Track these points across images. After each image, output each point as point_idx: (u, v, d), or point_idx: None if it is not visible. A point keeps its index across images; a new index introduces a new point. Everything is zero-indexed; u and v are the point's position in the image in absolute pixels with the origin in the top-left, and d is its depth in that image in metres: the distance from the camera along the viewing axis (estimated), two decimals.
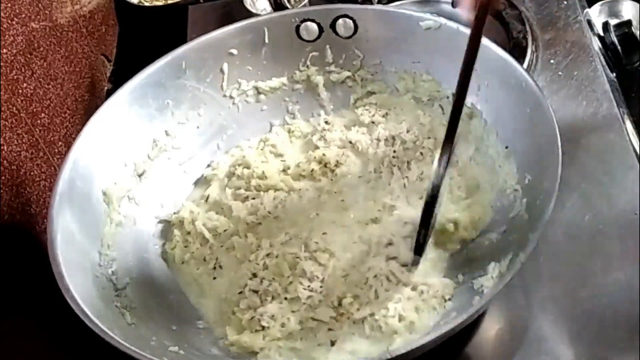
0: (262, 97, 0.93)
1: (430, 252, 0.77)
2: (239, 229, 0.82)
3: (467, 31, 0.81)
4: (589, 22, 1.04)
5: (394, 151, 0.86)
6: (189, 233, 0.84)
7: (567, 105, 0.93)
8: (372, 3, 1.09)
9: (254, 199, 0.85)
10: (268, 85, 0.93)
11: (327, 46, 0.91)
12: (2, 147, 0.76)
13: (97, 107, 0.83)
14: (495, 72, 0.79)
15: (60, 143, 0.91)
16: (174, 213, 0.86)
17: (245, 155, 0.90)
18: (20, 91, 0.83)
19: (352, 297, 0.73)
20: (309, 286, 0.75)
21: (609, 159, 0.87)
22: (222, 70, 0.90)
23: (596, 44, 1.01)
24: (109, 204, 0.80)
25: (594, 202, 0.83)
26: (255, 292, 0.75)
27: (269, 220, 0.82)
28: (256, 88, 0.92)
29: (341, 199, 0.83)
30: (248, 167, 0.88)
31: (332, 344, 0.71)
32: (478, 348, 0.76)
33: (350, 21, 0.89)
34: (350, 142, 0.88)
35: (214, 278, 0.80)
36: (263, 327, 0.72)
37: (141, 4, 1.22)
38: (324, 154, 0.87)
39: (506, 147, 0.78)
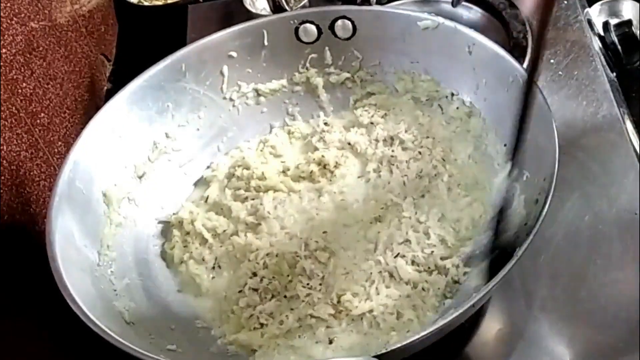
0: (262, 99, 0.93)
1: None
2: (239, 229, 0.82)
3: (465, 30, 0.82)
4: (589, 22, 1.04)
5: (392, 151, 0.86)
6: (188, 233, 0.84)
7: (567, 105, 0.93)
8: (370, 4, 1.10)
9: (253, 199, 0.85)
10: (268, 88, 0.93)
11: (326, 48, 0.91)
12: (2, 147, 0.76)
13: (96, 107, 0.83)
14: (494, 70, 0.79)
15: (60, 143, 0.91)
16: (174, 214, 0.86)
17: (245, 156, 0.90)
18: (19, 91, 0.83)
19: (352, 294, 0.73)
20: (308, 284, 0.75)
21: (609, 159, 0.87)
22: (222, 73, 0.90)
23: (596, 44, 1.01)
24: (108, 205, 0.80)
25: (594, 202, 0.83)
26: (255, 290, 0.75)
27: (269, 220, 0.82)
28: (256, 90, 0.93)
29: (341, 199, 0.83)
30: (248, 168, 0.88)
31: (330, 341, 0.71)
32: (478, 348, 0.76)
33: (349, 22, 0.89)
34: (349, 144, 0.88)
35: (213, 277, 0.80)
36: (261, 325, 0.73)
37: (141, 4, 1.22)
38: (322, 156, 0.87)
39: (505, 145, 0.78)
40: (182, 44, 0.89)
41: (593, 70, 0.97)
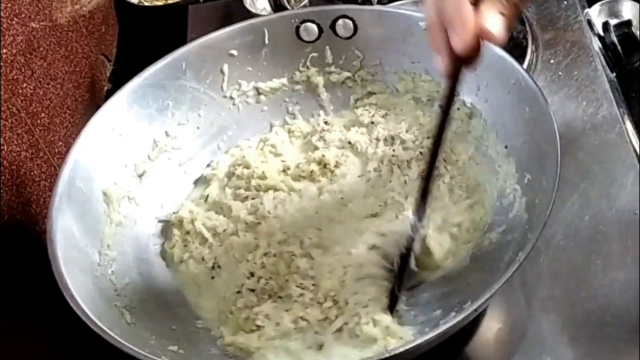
0: (262, 97, 0.93)
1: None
2: (239, 228, 0.82)
3: None
4: (589, 22, 1.04)
5: (393, 150, 0.86)
6: (188, 232, 0.84)
7: (567, 105, 0.93)
8: (371, 3, 1.10)
9: (253, 199, 0.85)
10: (268, 86, 0.93)
11: (327, 47, 0.91)
12: (2, 147, 0.76)
13: (97, 107, 0.83)
14: (494, 71, 0.79)
15: (60, 143, 0.91)
16: (174, 213, 0.86)
17: (245, 155, 0.90)
18: (20, 91, 0.83)
19: (332, 298, 0.72)
20: (301, 284, 0.74)
21: (609, 159, 0.87)
22: (222, 71, 0.90)
23: (596, 44, 1.01)
24: (109, 204, 0.80)
25: (594, 202, 0.83)
26: (252, 290, 0.75)
27: (269, 220, 0.82)
28: (256, 89, 0.92)
29: (341, 197, 0.83)
30: (248, 167, 0.88)
31: (320, 347, 0.70)
32: (478, 348, 0.76)
33: (350, 22, 0.89)
34: (350, 143, 0.88)
35: (212, 277, 0.80)
36: (258, 327, 0.72)
37: (141, 4, 1.22)
38: (323, 155, 0.87)
39: (505, 147, 0.78)
40: (183, 44, 0.89)
41: (593, 71, 0.97)
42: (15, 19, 0.85)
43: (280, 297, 0.74)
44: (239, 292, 0.76)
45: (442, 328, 0.60)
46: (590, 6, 1.08)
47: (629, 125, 0.91)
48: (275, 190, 0.85)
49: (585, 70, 0.97)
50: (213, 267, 0.80)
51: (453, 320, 0.61)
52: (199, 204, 0.87)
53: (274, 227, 0.81)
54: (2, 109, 0.78)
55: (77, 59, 1.02)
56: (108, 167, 0.81)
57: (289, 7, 1.11)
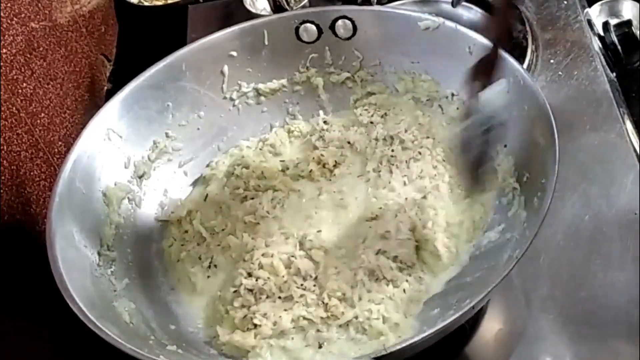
0: (262, 99, 0.93)
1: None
2: (237, 228, 0.82)
3: (466, 31, 0.82)
4: (589, 22, 1.04)
5: (392, 150, 0.86)
6: (186, 232, 0.84)
7: (567, 105, 0.93)
8: (370, 4, 1.10)
9: (252, 198, 0.85)
10: (268, 87, 0.93)
11: (327, 47, 0.91)
12: (2, 147, 0.76)
13: (97, 107, 0.83)
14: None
15: (60, 143, 0.91)
16: (171, 212, 0.86)
17: (244, 155, 0.90)
18: (20, 91, 0.83)
19: (339, 297, 0.73)
20: (302, 285, 0.74)
21: (609, 159, 0.87)
22: (222, 73, 0.90)
23: (596, 44, 1.01)
24: (109, 205, 0.80)
25: (594, 202, 0.84)
26: (250, 290, 0.75)
27: (268, 220, 0.82)
28: (256, 90, 0.93)
29: (340, 198, 0.83)
30: (247, 167, 0.88)
31: (320, 346, 0.71)
32: (478, 348, 0.76)
33: (350, 22, 0.89)
34: (349, 142, 0.88)
35: (208, 277, 0.80)
36: (255, 326, 0.72)
37: (141, 4, 1.22)
38: (322, 155, 0.87)
39: (505, 146, 0.78)
40: (182, 44, 0.89)
41: (593, 71, 0.97)
42: (15, 19, 0.85)
43: (279, 298, 0.74)
44: (235, 291, 0.76)
45: (440, 326, 0.60)
46: (590, 6, 1.08)
47: (629, 125, 0.91)
48: (274, 190, 0.85)
49: (585, 70, 0.97)
50: (209, 267, 0.80)
51: (450, 318, 0.61)
52: (197, 203, 0.87)
53: (273, 227, 0.81)
54: (2, 109, 0.78)
55: (77, 59, 1.02)
56: (108, 167, 0.81)
57: (288, 8, 1.11)
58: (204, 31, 0.91)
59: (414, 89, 0.90)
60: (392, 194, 0.82)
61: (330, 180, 0.86)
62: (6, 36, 0.82)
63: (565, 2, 1.06)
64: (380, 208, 0.81)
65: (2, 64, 0.80)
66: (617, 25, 1.02)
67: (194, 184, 0.91)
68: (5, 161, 0.76)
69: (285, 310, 0.73)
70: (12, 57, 0.83)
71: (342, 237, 0.79)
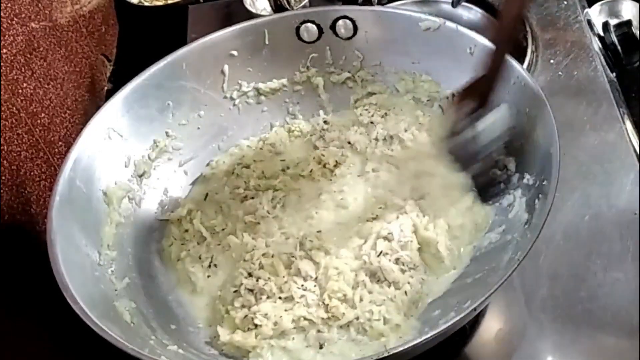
0: (262, 98, 0.93)
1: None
2: (237, 228, 0.82)
3: (467, 31, 0.82)
4: (589, 22, 1.04)
5: (392, 150, 0.86)
6: (186, 231, 0.84)
7: (567, 105, 0.93)
8: (371, 4, 1.10)
9: (252, 198, 0.85)
10: (268, 87, 0.93)
11: (327, 47, 0.91)
12: (2, 147, 0.76)
13: (97, 107, 0.83)
14: None
15: (60, 143, 0.91)
16: (171, 211, 0.86)
17: (244, 154, 0.90)
18: (20, 91, 0.83)
19: (340, 298, 0.73)
20: (302, 285, 0.74)
21: (609, 159, 0.87)
22: (222, 72, 0.90)
23: (596, 44, 1.01)
24: (109, 204, 0.80)
25: (594, 202, 0.84)
26: (251, 290, 0.75)
27: (268, 220, 0.82)
28: (257, 89, 0.93)
29: (341, 198, 0.83)
30: (247, 167, 0.88)
31: (321, 346, 0.71)
32: (478, 348, 0.76)
33: (350, 22, 0.89)
34: (349, 142, 0.88)
35: (208, 276, 0.80)
36: (256, 326, 0.72)
37: (141, 4, 1.22)
38: (322, 154, 0.87)
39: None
40: (183, 44, 0.89)
41: (593, 70, 0.97)
42: (15, 19, 0.85)
43: (280, 298, 0.74)
44: (236, 291, 0.76)
45: (441, 328, 0.60)
46: (590, 6, 1.08)
47: (629, 125, 0.91)
48: (275, 190, 0.85)
49: (585, 70, 0.97)
50: (210, 266, 0.80)
51: (451, 320, 0.61)
52: (198, 203, 0.87)
53: (273, 227, 0.81)
54: (2, 109, 0.78)
55: (77, 59, 1.02)
56: (108, 167, 0.81)
57: (289, 7, 1.11)
58: (204, 31, 0.90)
59: (415, 89, 0.90)
60: (391, 194, 0.82)
61: (330, 180, 0.86)
62: (6, 36, 0.82)
63: (565, 2, 1.06)
64: (381, 208, 0.81)
65: (2, 64, 0.80)
66: (617, 25, 1.02)
67: (194, 183, 0.91)
68: (5, 161, 0.76)
69: (285, 310, 0.73)
70: (12, 57, 0.83)
71: (342, 237, 0.79)
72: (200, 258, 0.81)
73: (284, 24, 0.90)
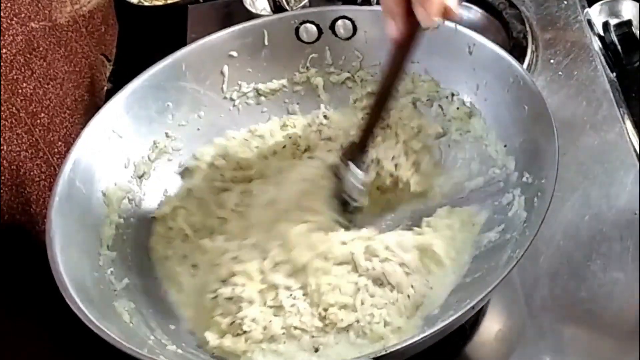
0: (262, 99, 0.93)
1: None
2: (213, 225, 0.80)
3: (466, 31, 0.82)
4: (589, 22, 1.04)
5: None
6: (170, 228, 0.82)
7: (567, 105, 0.93)
8: (371, 4, 1.10)
9: (226, 190, 0.83)
10: (268, 87, 0.93)
11: (327, 47, 0.91)
12: (2, 147, 0.76)
13: (97, 107, 0.83)
14: (493, 70, 0.79)
15: (60, 143, 0.91)
16: (157, 208, 0.84)
17: (227, 145, 0.88)
18: (20, 91, 0.83)
19: (338, 307, 0.71)
20: (291, 295, 0.72)
21: (609, 159, 0.87)
22: (222, 73, 0.90)
23: (596, 44, 1.01)
24: (108, 205, 0.79)
25: (594, 202, 0.84)
26: (230, 299, 0.72)
27: (235, 216, 0.80)
28: (256, 90, 0.92)
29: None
30: (224, 158, 0.86)
31: (316, 350, 0.69)
32: (478, 348, 0.76)
33: (350, 22, 0.89)
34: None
35: (193, 276, 0.78)
36: (244, 331, 0.70)
37: (141, 4, 1.22)
38: (299, 136, 0.87)
39: (505, 146, 0.78)
40: (182, 44, 0.89)
41: (593, 70, 0.97)
42: (15, 18, 0.85)
43: (265, 304, 0.72)
44: (214, 298, 0.73)
45: (440, 326, 0.60)
46: (590, 6, 1.08)
47: (629, 125, 0.91)
48: (249, 181, 0.83)
49: (585, 70, 0.97)
50: (194, 266, 0.79)
51: (450, 318, 0.61)
52: (182, 199, 0.85)
53: (241, 226, 0.78)
54: (2, 109, 0.78)
55: (77, 59, 1.02)
56: (108, 167, 0.81)
57: (288, 8, 1.11)
58: (204, 31, 0.90)
59: (414, 89, 0.90)
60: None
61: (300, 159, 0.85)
62: (6, 36, 0.82)
63: (565, 2, 1.06)
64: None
65: (2, 64, 0.80)
66: (617, 25, 1.02)
67: (180, 175, 0.88)
68: (5, 161, 0.76)
69: (275, 316, 0.71)
70: (12, 57, 0.83)
71: (322, 255, 0.74)
72: (185, 257, 0.80)
73: (284, 24, 0.90)
